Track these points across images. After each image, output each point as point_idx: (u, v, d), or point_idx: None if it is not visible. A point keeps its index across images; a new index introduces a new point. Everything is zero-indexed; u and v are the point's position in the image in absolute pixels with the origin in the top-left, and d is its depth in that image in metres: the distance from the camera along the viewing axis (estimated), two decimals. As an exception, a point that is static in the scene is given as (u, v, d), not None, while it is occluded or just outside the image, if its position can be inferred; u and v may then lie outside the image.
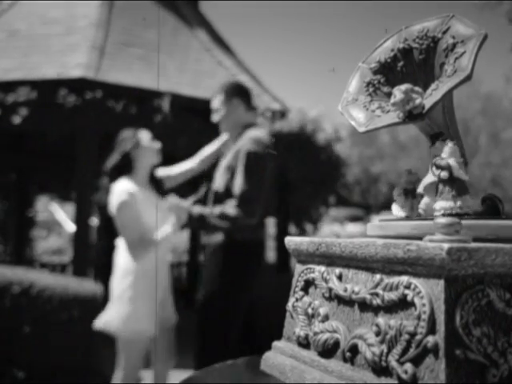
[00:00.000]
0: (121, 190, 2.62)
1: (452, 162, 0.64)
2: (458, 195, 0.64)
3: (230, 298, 2.47)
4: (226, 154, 2.68)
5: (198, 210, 2.49)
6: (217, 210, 2.45)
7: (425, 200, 0.68)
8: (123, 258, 2.64)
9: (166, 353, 2.76)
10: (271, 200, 2.68)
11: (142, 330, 2.56)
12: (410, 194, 0.71)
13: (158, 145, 2.79)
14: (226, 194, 2.51)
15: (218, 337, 2.47)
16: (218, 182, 2.59)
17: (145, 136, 2.75)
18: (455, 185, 0.64)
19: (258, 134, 2.58)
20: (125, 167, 2.68)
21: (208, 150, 2.88)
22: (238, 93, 2.69)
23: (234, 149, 2.59)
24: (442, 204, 0.64)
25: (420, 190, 0.68)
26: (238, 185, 2.45)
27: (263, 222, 2.62)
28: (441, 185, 0.65)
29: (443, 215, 0.64)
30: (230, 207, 2.42)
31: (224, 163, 2.62)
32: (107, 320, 2.63)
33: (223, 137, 2.78)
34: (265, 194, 2.52)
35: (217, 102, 2.71)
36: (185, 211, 2.48)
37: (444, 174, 0.64)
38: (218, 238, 2.53)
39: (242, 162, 2.46)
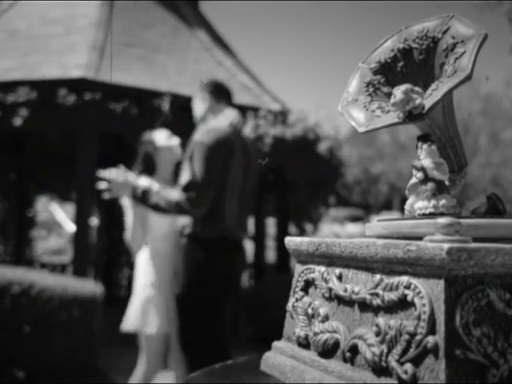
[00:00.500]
0: None
1: (426, 163, 0.66)
2: (433, 195, 0.65)
3: (198, 300, 2.44)
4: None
5: (144, 185, 2.50)
6: (164, 191, 2.45)
7: (409, 200, 0.69)
8: (143, 256, 2.72)
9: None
10: (244, 196, 2.60)
11: (157, 325, 2.61)
12: None
13: (176, 141, 2.85)
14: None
15: (196, 342, 2.44)
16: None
17: (161, 136, 2.82)
18: (430, 185, 0.66)
19: (215, 125, 2.53)
20: (148, 169, 2.77)
21: None
22: (209, 90, 2.67)
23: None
24: (418, 204, 0.66)
25: (406, 191, 0.70)
26: (184, 174, 2.45)
27: (222, 216, 2.49)
28: (419, 185, 0.67)
29: (418, 215, 0.66)
30: (175, 192, 2.41)
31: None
32: (129, 320, 2.67)
33: None
34: (218, 185, 2.43)
35: (194, 103, 2.75)
36: (128, 184, 2.49)
37: (419, 175, 0.66)
38: (183, 238, 2.52)
39: (188, 153, 2.46)
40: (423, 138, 0.68)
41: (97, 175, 2.57)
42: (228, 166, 2.48)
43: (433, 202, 0.65)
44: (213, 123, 2.56)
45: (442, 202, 0.65)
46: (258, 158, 2.79)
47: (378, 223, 0.71)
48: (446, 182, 0.72)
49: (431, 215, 0.64)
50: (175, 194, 2.39)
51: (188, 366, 2.45)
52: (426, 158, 0.66)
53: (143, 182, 2.56)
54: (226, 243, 2.51)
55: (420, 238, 0.60)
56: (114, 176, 2.52)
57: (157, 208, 2.46)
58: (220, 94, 2.69)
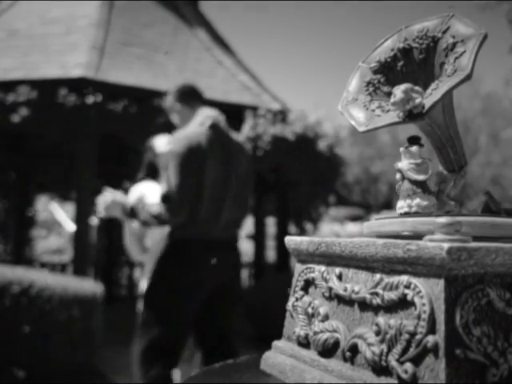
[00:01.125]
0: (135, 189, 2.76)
1: (402, 164, 0.69)
2: (408, 195, 0.68)
3: (161, 300, 2.46)
4: None
5: (132, 202, 2.55)
6: (146, 206, 2.48)
7: (398, 200, 0.72)
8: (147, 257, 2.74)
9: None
10: (230, 194, 2.62)
11: None
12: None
13: None
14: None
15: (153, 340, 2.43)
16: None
17: (161, 141, 2.85)
18: (406, 185, 0.69)
19: (186, 131, 2.56)
20: (151, 175, 2.81)
21: None
22: (177, 98, 2.70)
23: None
24: (398, 204, 0.70)
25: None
26: (162, 185, 2.50)
27: (199, 218, 2.50)
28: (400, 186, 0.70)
29: (398, 214, 0.69)
30: (155, 205, 2.45)
31: None
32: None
33: None
34: (194, 191, 2.46)
35: (171, 116, 2.81)
36: (117, 204, 2.53)
37: (398, 176, 0.70)
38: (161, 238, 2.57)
39: (164, 163, 2.51)
40: (409, 140, 0.69)
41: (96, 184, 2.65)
42: (203, 169, 2.48)
43: (408, 201, 0.68)
44: (185, 130, 2.58)
45: (416, 201, 0.67)
46: (245, 151, 2.78)
47: (365, 224, 0.74)
48: (451, 182, 0.73)
49: (406, 214, 0.68)
50: (156, 207, 2.42)
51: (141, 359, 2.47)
52: (403, 159, 0.69)
53: (131, 198, 2.59)
54: (201, 244, 2.50)
55: (389, 236, 0.65)
56: (102, 198, 2.57)
57: (145, 223, 2.48)
58: (189, 98, 2.69)
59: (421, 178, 0.68)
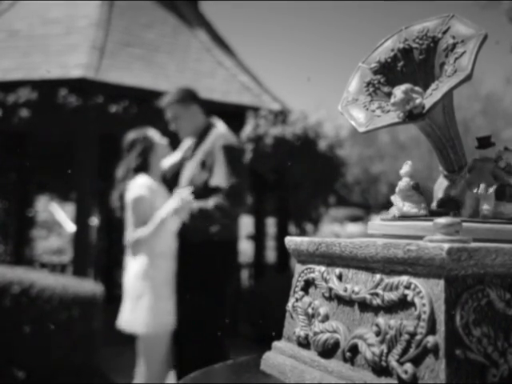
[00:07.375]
0: (140, 184, 2.71)
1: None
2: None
3: (210, 296, 2.62)
4: (191, 155, 2.82)
5: (196, 204, 2.58)
6: (210, 202, 2.54)
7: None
8: (138, 259, 2.67)
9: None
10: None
11: (164, 323, 2.60)
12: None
13: (165, 141, 2.94)
14: (206, 189, 2.61)
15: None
16: (194, 179, 2.69)
17: (155, 134, 2.90)
18: None
19: (223, 130, 2.74)
20: (143, 167, 2.80)
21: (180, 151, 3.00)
22: (193, 98, 2.83)
23: (202, 148, 2.72)
24: None
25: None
26: (222, 178, 2.55)
27: (237, 219, 2.75)
28: None
29: None
30: (221, 199, 2.51)
31: (194, 163, 2.74)
32: (130, 319, 2.62)
33: (188, 142, 2.91)
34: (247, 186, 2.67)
35: (173, 111, 2.85)
36: (188, 206, 2.56)
37: None
38: (194, 238, 2.63)
39: (222, 157, 2.59)
40: (487, 141, 0.71)
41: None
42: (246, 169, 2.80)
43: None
44: (219, 129, 2.74)
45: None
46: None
47: (405, 222, 0.77)
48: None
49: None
50: (222, 202, 2.53)
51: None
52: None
53: (194, 204, 2.59)
54: (236, 244, 2.80)
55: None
56: (174, 201, 2.58)
57: (213, 222, 2.57)
58: (200, 100, 2.86)
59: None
